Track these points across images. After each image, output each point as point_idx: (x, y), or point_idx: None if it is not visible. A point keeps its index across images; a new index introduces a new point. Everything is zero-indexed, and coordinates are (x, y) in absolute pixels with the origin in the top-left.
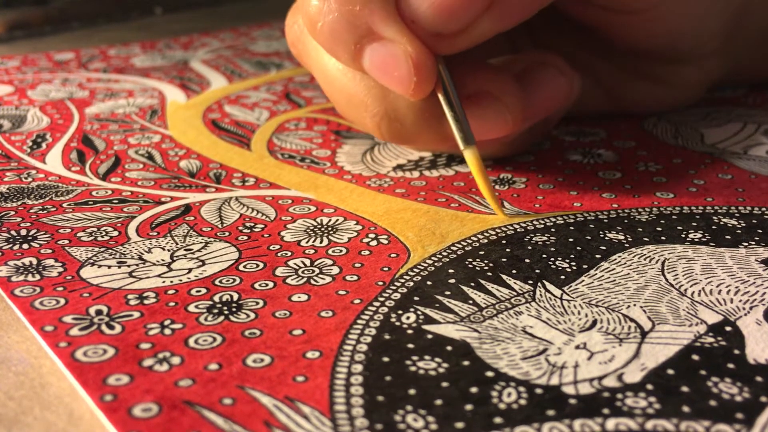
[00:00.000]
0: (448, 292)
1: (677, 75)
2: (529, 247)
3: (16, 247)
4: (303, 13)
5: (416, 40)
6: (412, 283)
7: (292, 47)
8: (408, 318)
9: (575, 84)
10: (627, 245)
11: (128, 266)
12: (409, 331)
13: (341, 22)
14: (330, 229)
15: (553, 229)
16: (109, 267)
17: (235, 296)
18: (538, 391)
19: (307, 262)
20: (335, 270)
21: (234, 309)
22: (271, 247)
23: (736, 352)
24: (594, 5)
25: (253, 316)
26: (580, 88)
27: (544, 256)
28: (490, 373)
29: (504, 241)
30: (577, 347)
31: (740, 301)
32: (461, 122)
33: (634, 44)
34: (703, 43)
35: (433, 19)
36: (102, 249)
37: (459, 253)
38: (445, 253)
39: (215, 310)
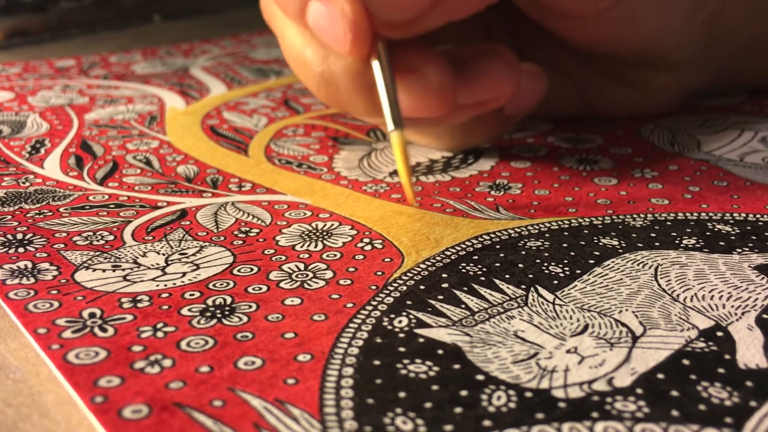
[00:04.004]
0: (440, 297)
1: (650, 81)
2: (523, 252)
3: (12, 250)
4: None
5: (355, 1)
6: (405, 288)
7: (263, 13)
8: (400, 322)
9: (542, 80)
10: (621, 251)
11: (123, 270)
12: (401, 335)
13: None
14: (325, 233)
15: (547, 234)
16: (104, 271)
17: (228, 300)
18: (528, 394)
19: (301, 266)
20: (329, 274)
21: (227, 312)
22: (265, 252)
23: (727, 357)
24: (540, 7)
25: (245, 319)
26: (546, 85)
27: (538, 261)
28: (480, 377)
29: (498, 246)
30: (568, 351)
31: (732, 306)
32: (392, 104)
33: (589, 47)
34: (671, 52)
35: (384, 9)
36: (97, 253)
37: (453, 257)
38: (438, 258)
39: (208, 314)
